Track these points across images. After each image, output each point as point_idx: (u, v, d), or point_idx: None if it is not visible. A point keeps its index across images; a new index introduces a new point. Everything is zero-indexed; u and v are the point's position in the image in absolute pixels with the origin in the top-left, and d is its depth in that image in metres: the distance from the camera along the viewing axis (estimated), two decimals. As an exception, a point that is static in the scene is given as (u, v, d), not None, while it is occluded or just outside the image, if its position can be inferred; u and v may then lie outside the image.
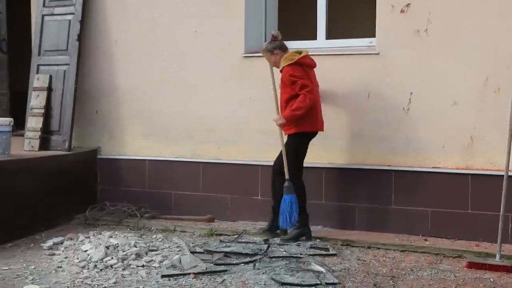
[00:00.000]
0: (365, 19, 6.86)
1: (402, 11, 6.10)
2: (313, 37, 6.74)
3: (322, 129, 6.04)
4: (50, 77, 7.39)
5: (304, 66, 5.91)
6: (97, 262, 5.31)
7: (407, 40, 6.09)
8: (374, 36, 6.31)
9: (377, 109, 6.20)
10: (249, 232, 6.25)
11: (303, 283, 4.82)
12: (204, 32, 6.93)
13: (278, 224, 5.97)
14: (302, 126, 5.88)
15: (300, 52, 5.98)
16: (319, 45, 6.66)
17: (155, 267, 5.29)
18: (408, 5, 6.07)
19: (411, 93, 6.08)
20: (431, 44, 6.01)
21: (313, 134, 6.01)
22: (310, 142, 6.07)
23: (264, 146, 6.69)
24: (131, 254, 5.43)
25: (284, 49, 6.04)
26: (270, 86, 6.43)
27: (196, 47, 6.98)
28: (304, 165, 6.30)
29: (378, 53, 6.20)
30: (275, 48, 6.01)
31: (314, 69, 6.04)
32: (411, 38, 6.08)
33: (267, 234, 6.09)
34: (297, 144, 5.95)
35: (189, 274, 5.04)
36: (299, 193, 5.90)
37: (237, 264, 5.30)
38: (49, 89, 7.37)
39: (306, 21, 7.20)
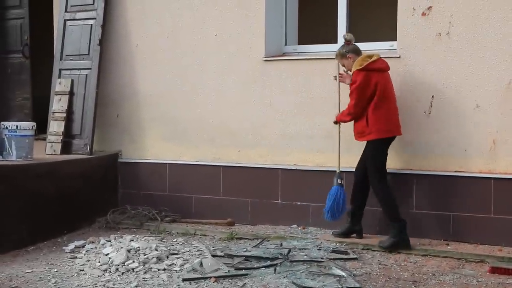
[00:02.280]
0: (386, 22, 6.83)
1: (423, 14, 6.07)
2: (334, 40, 6.72)
3: (396, 133, 5.89)
4: (72, 81, 7.46)
5: (373, 71, 5.77)
6: (118, 265, 5.34)
7: (429, 43, 6.06)
8: (395, 39, 6.28)
9: (399, 113, 6.15)
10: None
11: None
12: (225, 35, 6.95)
13: (355, 228, 6.05)
14: (374, 133, 5.77)
15: (371, 56, 5.86)
16: (339, 48, 6.65)
17: (176, 270, 5.30)
18: (429, 8, 6.04)
19: (433, 96, 6.04)
20: (453, 47, 5.97)
21: (389, 139, 5.88)
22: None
23: (285, 150, 6.70)
24: (152, 257, 5.46)
25: (358, 52, 5.96)
26: (292, 89, 6.50)
27: (216, 51, 6.99)
28: (326, 169, 6.34)
29: (399, 56, 6.17)
30: (349, 52, 5.92)
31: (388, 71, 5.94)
32: (432, 41, 6.04)
33: (341, 237, 6.07)
34: (374, 150, 5.84)
35: (210, 277, 5.04)
36: (379, 199, 5.83)
37: (258, 268, 5.30)
38: (71, 93, 7.43)
39: (327, 24, 7.18)
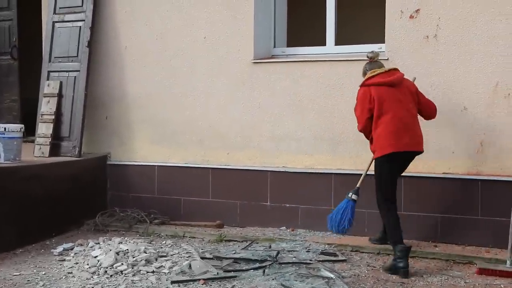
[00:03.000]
0: (375, 25, 6.86)
1: (411, 16, 6.10)
2: (322, 42, 6.75)
3: (399, 149, 5.37)
4: (61, 83, 7.44)
5: (371, 86, 5.46)
6: (107, 268, 5.32)
7: (417, 45, 6.09)
8: (383, 41, 6.31)
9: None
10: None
11: (313, 289, 4.82)
12: (213, 38, 6.95)
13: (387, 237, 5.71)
14: (378, 150, 5.47)
15: (375, 71, 5.55)
16: (328, 51, 6.68)
17: (164, 273, 5.29)
18: (417, 10, 6.08)
19: (421, 98, 6.06)
20: (441, 50, 6.00)
21: (392, 156, 5.40)
22: (328, 149, 6.16)
23: (273, 152, 6.71)
24: (141, 260, 5.45)
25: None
26: (281, 91, 6.54)
27: (205, 53, 7.00)
28: (314, 171, 6.36)
29: (387, 59, 6.19)
30: (369, 69, 5.63)
31: (398, 83, 5.50)
32: (420, 43, 6.08)
33: (378, 243, 5.95)
34: (376, 168, 5.55)
35: (199, 280, 5.04)
36: (382, 218, 5.58)
37: (247, 270, 5.30)
38: (60, 96, 7.41)
39: (316, 26, 7.20)
